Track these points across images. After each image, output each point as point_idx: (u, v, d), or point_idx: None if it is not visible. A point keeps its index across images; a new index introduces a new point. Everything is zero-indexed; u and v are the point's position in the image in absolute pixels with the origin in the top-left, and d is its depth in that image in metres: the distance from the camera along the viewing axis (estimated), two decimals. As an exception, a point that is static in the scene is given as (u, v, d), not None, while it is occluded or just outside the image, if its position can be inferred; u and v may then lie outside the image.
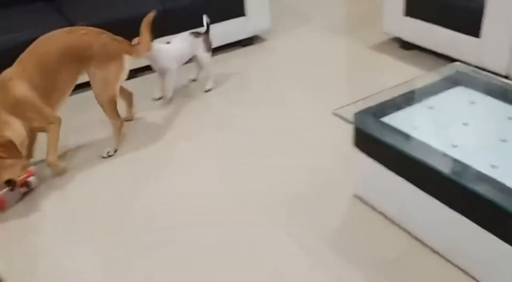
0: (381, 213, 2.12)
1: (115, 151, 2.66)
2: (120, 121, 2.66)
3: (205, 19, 3.13)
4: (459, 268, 1.84)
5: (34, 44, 2.42)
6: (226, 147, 2.66)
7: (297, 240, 2.04)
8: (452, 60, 2.88)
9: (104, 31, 2.57)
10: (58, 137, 2.44)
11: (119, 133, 2.66)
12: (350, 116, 2.09)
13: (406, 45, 3.46)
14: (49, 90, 2.37)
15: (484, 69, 2.86)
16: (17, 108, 2.24)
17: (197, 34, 3.10)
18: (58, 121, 2.44)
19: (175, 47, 3.02)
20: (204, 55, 3.14)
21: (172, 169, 2.52)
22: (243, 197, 2.29)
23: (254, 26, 3.69)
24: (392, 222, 2.08)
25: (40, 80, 2.32)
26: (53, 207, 2.32)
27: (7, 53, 2.43)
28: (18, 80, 2.27)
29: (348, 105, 2.14)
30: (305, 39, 3.84)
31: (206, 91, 3.19)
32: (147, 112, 3.01)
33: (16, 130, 2.25)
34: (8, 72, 2.32)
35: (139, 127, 2.88)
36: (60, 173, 2.52)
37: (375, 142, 1.99)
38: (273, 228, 2.11)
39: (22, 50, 2.39)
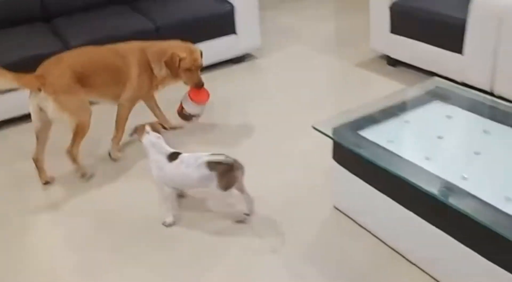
0: (359, 224, 2.16)
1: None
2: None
3: None
4: (436, 280, 1.87)
5: None
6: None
7: (273, 251, 2.08)
8: (437, 76, 2.94)
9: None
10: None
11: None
12: (330, 130, 2.15)
13: (393, 62, 3.52)
14: None
15: (468, 85, 2.93)
16: None
17: None
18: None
19: None
20: None
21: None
22: (222, 207, 2.35)
23: (245, 44, 3.78)
24: (370, 233, 2.11)
25: None
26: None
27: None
28: None
29: (328, 119, 2.20)
30: (294, 56, 3.92)
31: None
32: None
33: None
34: None
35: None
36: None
37: (352, 155, 2.04)
38: (250, 238, 2.15)
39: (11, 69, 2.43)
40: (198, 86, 2.70)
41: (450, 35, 3.02)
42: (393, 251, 2.02)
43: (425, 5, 3.21)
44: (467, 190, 1.71)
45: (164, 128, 2.85)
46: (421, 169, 1.84)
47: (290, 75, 3.64)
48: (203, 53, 2.77)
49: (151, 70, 2.69)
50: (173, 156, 2.21)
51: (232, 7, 3.64)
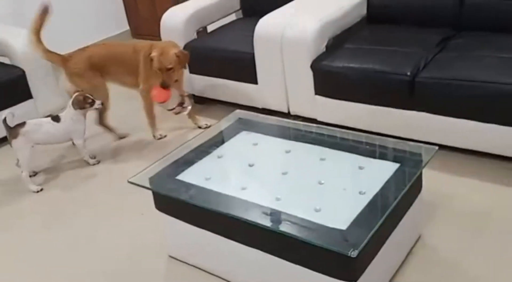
0: (196, 267, 2.17)
1: None
2: None
3: None
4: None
5: None
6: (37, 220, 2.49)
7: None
8: (242, 106, 3.15)
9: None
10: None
11: None
12: (147, 181, 2.14)
13: (200, 100, 3.67)
14: None
15: (271, 110, 3.19)
16: None
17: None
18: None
19: None
20: None
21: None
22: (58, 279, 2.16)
23: (45, 108, 3.53)
24: (208, 273, 2.13)
25: None
26: None
27: None
28: None
29: (143, 170, 2.19)
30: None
31: None
32: None
33: None
34: None
35: None
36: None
37: (173, 201, 2.05)
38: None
39: None
40: (162, 85, 2.95)
41: (243, 68, 3.25)
42: (233, 284, 2.07)
43: (216, 44, 3.42)
44: (281, 210, 1.85)
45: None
46: (238, 200, 1.93)
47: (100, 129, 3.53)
48: (187, 57, 3.07)
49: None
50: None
51: (22, 71, 3.42)
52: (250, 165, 2.19)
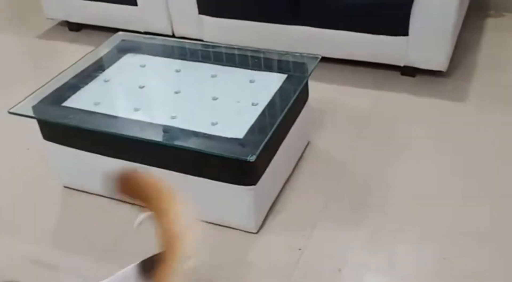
0: (93, 193, 2.13)
1: None
2: None
3: None
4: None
5: None
6: None
7: (13, 249, 1.91)
8: (123, 31, 2.96)
9: None
10: None
11: None
12: (30, 110, 2.00)
13: (74, 27, 3.41)
14: None
15: (154, 33, 3.07)
16: None
17: None
18: None
19: None
20: None
21: None
22: None
23: None
24: (107, 198, 2.08)
25: None
26: None
27: None
28: None
29: (23, 100, 2.03)
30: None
31: None
32: None
33: None
34: None
35: None
36: None
37: (63, 129, 1.96)
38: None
39: None
40: None
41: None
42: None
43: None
44: (178, 127, 1.86)
45: None
46: (133, 121, 1.90)
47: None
48: None
49: None
50: None
51: None
52: (141, 87, 2.13)
